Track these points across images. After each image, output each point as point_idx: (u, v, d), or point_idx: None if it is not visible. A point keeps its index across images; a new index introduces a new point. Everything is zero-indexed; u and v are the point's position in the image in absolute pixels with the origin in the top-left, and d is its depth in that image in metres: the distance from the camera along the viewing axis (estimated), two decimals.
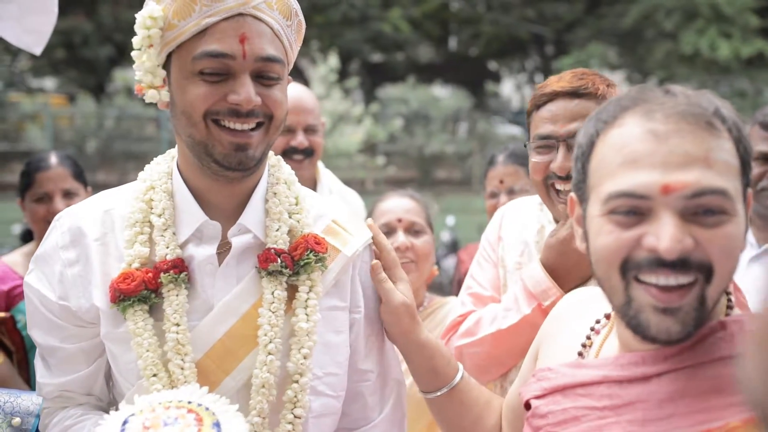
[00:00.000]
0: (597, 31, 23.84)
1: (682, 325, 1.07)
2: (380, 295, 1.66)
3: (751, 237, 2.77)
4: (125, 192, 1.62)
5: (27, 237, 3.09)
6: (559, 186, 1.93)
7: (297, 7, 1.55)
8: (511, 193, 3.27)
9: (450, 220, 11.25)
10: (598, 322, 1.34)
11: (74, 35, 22.69)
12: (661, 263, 1.05)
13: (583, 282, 1.91)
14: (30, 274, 1.59)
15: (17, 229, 13.39)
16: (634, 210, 1.08)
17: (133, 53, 1.48)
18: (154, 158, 1.66)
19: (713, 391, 1.10)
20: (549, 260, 1.93)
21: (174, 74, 1.48)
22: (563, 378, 1.26)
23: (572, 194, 1.26)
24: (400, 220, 2.64)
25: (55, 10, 2.30)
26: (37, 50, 2.36)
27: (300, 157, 3.00)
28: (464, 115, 24.24)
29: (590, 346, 1.32)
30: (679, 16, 20.58)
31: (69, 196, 2.90)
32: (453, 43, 30.28)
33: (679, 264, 1.05)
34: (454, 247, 9.62)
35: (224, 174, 1.50)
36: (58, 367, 1.59)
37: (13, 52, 21.50)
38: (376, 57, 28.00)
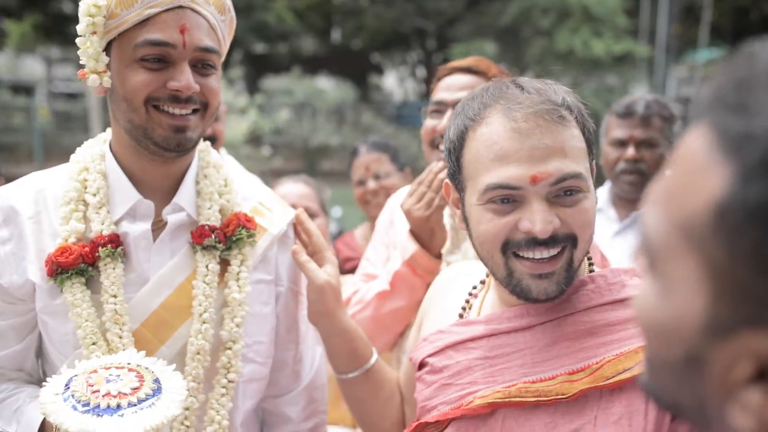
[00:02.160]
0: (477, 26, 24.57)
1: (556, 285, 1.30)
2: (306, 276, 1.72)
3: (614, 214, 3.13)
4: (56, 173, 1.67)
5: None
6: (441, 146, 2.13)
7: (230, 3, 1.64)
8: (377, 177, 3.52)
9: (336, 211, 11.33)
10: (474, 287, 1.54)
11: None
12: (536, 242, 1.27)
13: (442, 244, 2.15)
14: None
15: None
16: (509, 198, 1.28)
17: (77, 39, 1.52)
18: (85, 142, 1.71)
19: (588, 334, 1.32)
20: (414, 228, 2.13)
21: (114, 61, 1.54)
22: (455, 336, 1.44)
23: (447, 181, 1.45)
24: (294, 206, 2.73)
25: None
26: None
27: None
28: (349, 106, 24.43)
29: (470, 308, 1.51)
30: (554, 15, 21.59)
31: None
32: (336, 35, 30.38)
33: (550, 241, 1.27)
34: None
35: (162, 155, 1.58)
36: None
37: None
38: (260, 47, 27.72)
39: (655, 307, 0.68)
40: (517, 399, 1.29)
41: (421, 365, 1.50)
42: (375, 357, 1.75)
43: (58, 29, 23.73)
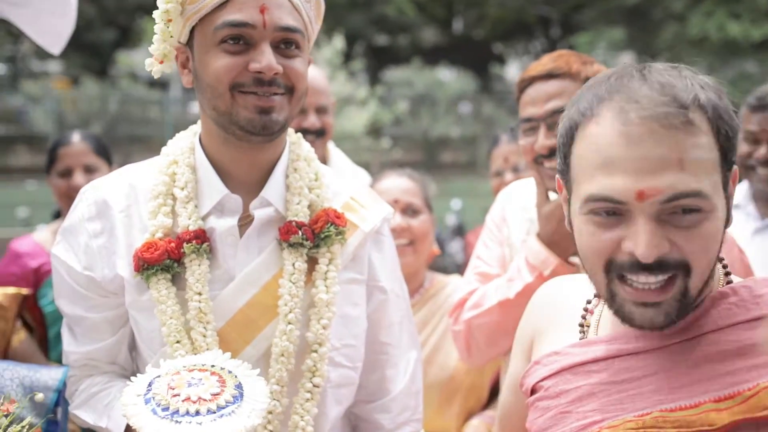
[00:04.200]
0: (604, 11, 23.68)
1: (664, 316, 1.11)
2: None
3: (754, 210, 2.88)
4: (148, 166, 1.65)
5: (58, 215, 3.15)
6: (546, 164, 1.99)
7: None
8: (516, 170, 3.34)
9: (455, 203, 11.22)
10: (589, 302, 1.34)
11: (78, 18, 22.62)
12: (640, 267, 1.08)
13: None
14: (57, 246, 1.62)
15: (23, 212, 13.39)
16: (613, 211, 1.10)
17: (155, 27, 1.51)
18: (177, 134, 1.69)
19: (737, 354, 1.12)
20: (544, 232, 1.98)
21: (197, 49, 1.51)
22: (572, 357, 1.26)
23: (558, 176, 1.26)
24: (396, 201, 2.62)
25: (74, 14, 2.29)
26: (56, 51, 2.35)
27: (312, 137, 2.98)
28: (469, 97, 24.21)
29: (588, 326, 1.32)
30: None
31: (89, 171, 2.94)
32: (458, 25, 30.17)
33: (657, 266, 1.08)
34: (459, 231, 9.52)
35: (248, 139, 1.52)
36: (84, 336, 1.63)
37: (16, 34, 21.50)
38: (381, 39, 27.95)
39: None
40: (654, 430, 1.11)
41: (533, 390, 1.33)
42: None
43: None
